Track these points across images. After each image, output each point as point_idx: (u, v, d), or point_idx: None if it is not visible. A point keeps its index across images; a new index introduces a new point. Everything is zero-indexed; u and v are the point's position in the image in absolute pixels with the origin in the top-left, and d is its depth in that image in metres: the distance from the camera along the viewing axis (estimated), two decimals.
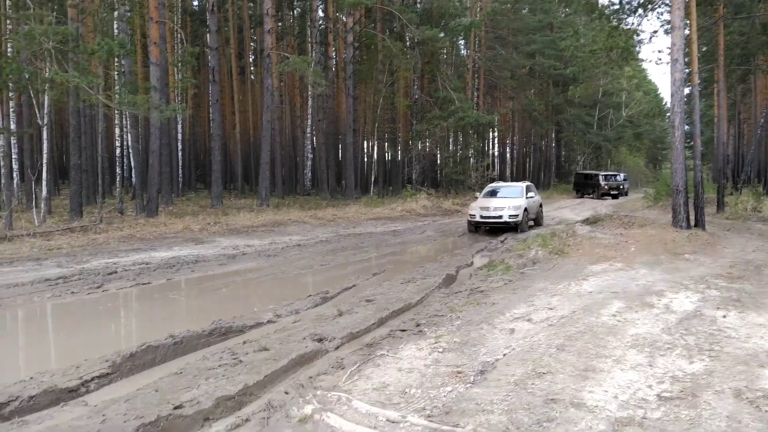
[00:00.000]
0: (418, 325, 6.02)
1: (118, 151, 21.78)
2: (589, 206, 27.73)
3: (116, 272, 10.17)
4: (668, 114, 66.23)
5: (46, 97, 13.78)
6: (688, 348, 4.63)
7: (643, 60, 66.18)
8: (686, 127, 18.24)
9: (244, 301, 8.70)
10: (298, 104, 36.59)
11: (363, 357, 5.05)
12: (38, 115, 13.99)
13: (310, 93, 30.41)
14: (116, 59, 14.86)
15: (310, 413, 3.77)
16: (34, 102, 13.88)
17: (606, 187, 34.71)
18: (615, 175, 37.07)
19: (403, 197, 26.29)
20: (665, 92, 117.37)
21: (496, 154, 48.06)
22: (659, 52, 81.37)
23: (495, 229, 16.43)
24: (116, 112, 19.74)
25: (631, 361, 4.30)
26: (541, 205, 19.15)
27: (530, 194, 17.78)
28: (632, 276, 7.80)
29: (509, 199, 16.76)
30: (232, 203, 23.85)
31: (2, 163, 13.79)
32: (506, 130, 45.91)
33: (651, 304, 6.11)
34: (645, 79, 68.99)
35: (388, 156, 36.27)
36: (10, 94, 14.77)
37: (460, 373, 4.43)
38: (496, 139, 47.72)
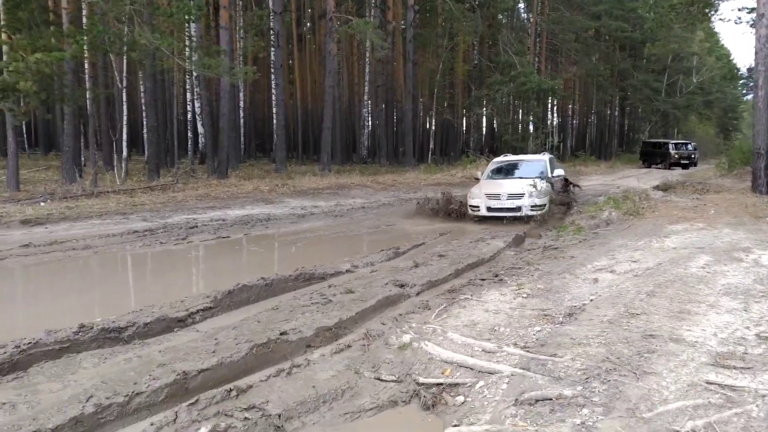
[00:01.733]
0: (496, 275, 6.12)
1: (189, 115, 22.52)
2: (657, 176, 26.69)
3: (197, 227, 10.72)
4: (741, 81, 62.33)
5: (124, 60, 14.41)
6: None
7: (721, 19, 62.12)
8: None
9: (319, 254, 9.01)
10: (355, 70, 36.58)
11: (447, 300, 5.20)
12: (117, 77, 14.69)
13: (368, 59, 30.32)
14: (187, 24, 15.28)
15: (408, 341, 3.97)
16: (114, 65, 14.57)
17: (676, 156, 33.14)
18: (685, 144, 35.30)
19: (463, 164, 26.09)
20: (739, 57, 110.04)
21: (556, 122, 46.76)
22: (739, 10, 76.09)
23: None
24: (187, 76, 20.37)
25: (726, 306, 4.27)
26: (569, 183, 14.62)
27: (557, 172, 12.39)
28: (715, 234, 7.58)
29: (528, 181, 11.37)
30: (294, 169, 24.34)
31: (89, 123, 14.57)
32: (568, 97, 44.39)
33: (739, 258, 5.96)
34: (717, 43, 64.82)
35: (445, 123, 35.93)
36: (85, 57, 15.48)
37: (547, 315, 4.51)
38: (556, 107, 46.34)
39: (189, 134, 20.98)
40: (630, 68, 44.01)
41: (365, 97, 32.14)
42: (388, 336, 4.12)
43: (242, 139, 31.50)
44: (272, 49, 23.37)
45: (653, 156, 35.23)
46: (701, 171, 29.86)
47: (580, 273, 5.72)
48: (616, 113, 52.26)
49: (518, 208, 10.79)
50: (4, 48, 12.62)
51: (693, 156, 34.16)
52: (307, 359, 3.86)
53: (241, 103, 31.19)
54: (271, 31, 23.50)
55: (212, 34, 28.41)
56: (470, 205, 11.35)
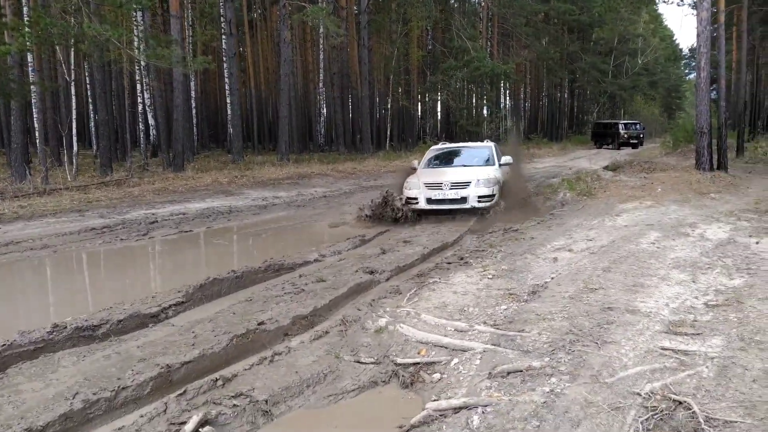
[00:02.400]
0: (461, 258, 6.35)
1: (140, 107, 21.91)
2: (606, 156, 27.69)
3: (157, 221, 10.56)
4: (684, 61, 64.69)
5: (71, 53, 13.92)
6: (727, 267, 4.92)
7: (665, 1, 64.31)
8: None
9: (284, 244, 9.05)
10: (310, 57, 36.24)
11: (417, 284, 5.39)
12: (64, 70, 14.16)
13: (321, 46, 30.11)
14: (135, 13, 14.82)
15: (384, 325, 4.14)
16: (61, 57, 14.03)
17: (625, 136, 34.36)
18: (634, 124, 36.59)
19: (420, 149, 26.38)
20: (682, 38, 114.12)
21: (509, 105, 47.64)
22: None
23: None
24: (136, 67, 19.80)
25: (676, 279, 4.61)
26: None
27: (504, 159, 10.74)
28: (663, 212, 8.05)
29: (473, 170, 10.00)
30: (251, 159, 24.08)
31: (37, 118, 14.04)
32: (520, 80, 45.26)
33: (686, 233, 6.38)
34: (661, 24, 67.22)
35: (402, 109, 36.11)
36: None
37: (512, 294, 4.76)
38: (508, 90, 47.18)
39: (140, 127, 20.44)
40: (578, 51, 45.18)
41: (320, 85, 31.94)
42: (364, 321, 4.27)
43: (195, 130, 30.89)
44: (223, 37, 22.93)
45: (604, 136, 36.46)
46: (647, 150, 31.13)
47: (541, 253, 6.01)
48: (566, 95, 53.64)
49: (463, 199, 9.34)
50: None
51: (641, 135, 35.52)
52: (288, 347, 3.98)
53: (193, 93, 30.50)
54: (222, 18, 23.05)
55: (159, 22, 27.61)
56: (407, 198, 9.68)
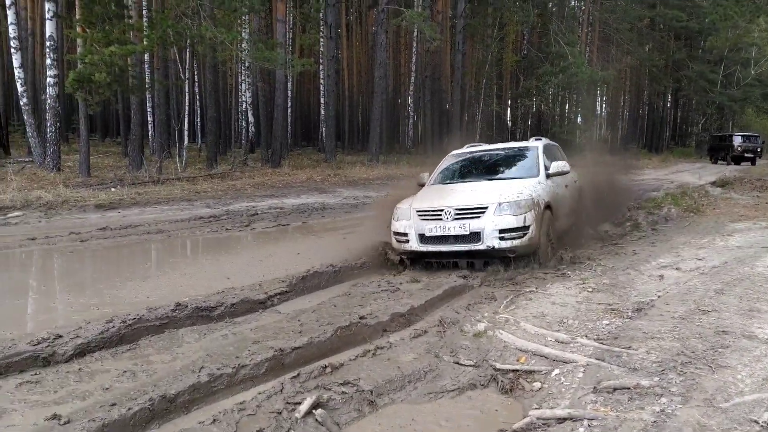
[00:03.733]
0: (558, 269, 6.25)
1: (243, 105, 23.16)
2: (713, 171, 25.95)
3: (257, 214, 11.18)
4: None
5: (186, 53, 15.02)
6: None
7: None
8: None
9: (375, 243, 9.31)
10: (402, 60, 36.70)
11: (512, 292, 5.38)
12: (180, 70, 15.35)
13: (414, 49, 30.38)
14: (245, 17, 15.78)
15: (482, 329, 4.19)
16: (177, 58, 15.24)
17: (740, 149, 31.38)
18: (754, 137, 33.07)
19: None
20: None
21: (605, 113, 45.75)
22: None
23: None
24: (242, 68, 20.98)
25: None
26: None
27: (556, 167, 7.22)
28: None
29: (500, 186, 6.73)
30: (341, 158, 24.76)
31: (153, 113, 15.23)
32: (619, 88, 43.34)
33: None
34: None
35: (492, 114, 35.69)
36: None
37: (614, 309, 4.64)
38: (605, 98, 45.31)
39: (242, 124, 21.63)
40: (685, 58, 42.61)
41: (411, 88, 32.27)
42: (463, 324, 4.34)
43: (289, 128, 32.19)
44: (321, 40, 23.77)
45: (719, 150, 33.58)
46: (759, 167, 28.77)
47: (645, 269, 5.79)
48: (669, 105, 50.70)
49: (475, 236, 6.01)
50: (79, 41, 13.34)
51: (759, 150, 32.51)
52: (388, 342, 4.13)
53: (289, 93, 31.84)
54: (321, 22, 23.87)
55: (262, 25, 29.03)
56: (394, 233, 6.60)
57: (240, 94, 24.13)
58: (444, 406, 3.39)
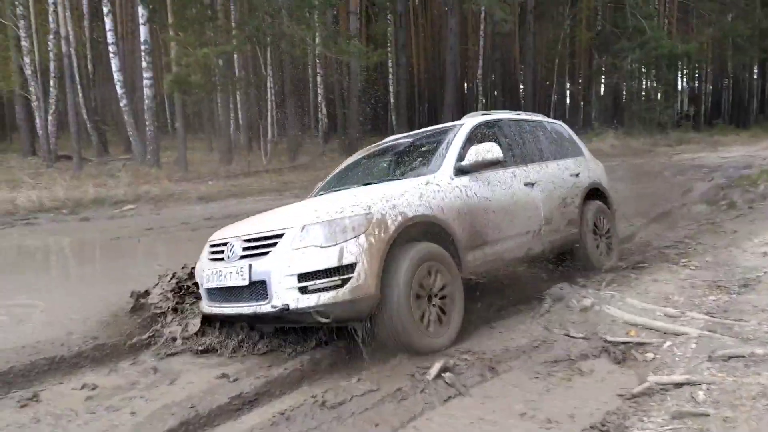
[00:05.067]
0: (657, 248, 6.30)
1: (319, 98, 23.92)
2: None
3: None
4: None
5: (268, 51, 15.78)
6: None
7: None
8: None
9: None
10: (469, 44, 36.41)
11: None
12: (262, 67, 16.19)
13: (482, 32, 30.06)
14: (323, 12, 16.37)
15: (589, 305, 4.39)
16: (260, 55, 16.07)
17: None
18: None
19: (588, 136, 25.34)
20: None
21: (686, 88, 43.42)
22: None
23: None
24: (318, 60, 21.67)
25: None
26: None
27: (475, 156, 4.26)
28: None
29: (368, 194, 3.84)
30: None
31: (242, 109, 16.10)
32: (702, 61, 40.99)
33: None
34: None
35: (566, 94, 34.86)
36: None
37: (720, 286, 4.71)
38: (687, 72, 42.97)
39: (318, 116, 22.37)
40: None
41: (479, 72, 32.03)
42: (569, 300, 4.56)
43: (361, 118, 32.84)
44: (389, 29, 24.08)
45: None
46: None
47: (747, 247, 5.76)
48: (756, 77, 47.35)
49: (260, 288, 3.52)
50: (172, 44, 14.33)
51: None
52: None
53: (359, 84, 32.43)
54: (388, 12, 24.17)
55: (329, 16, 29.68)
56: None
57: (316, 86, 24.94)
58: (558, 373, 3.65)
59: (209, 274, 3.84)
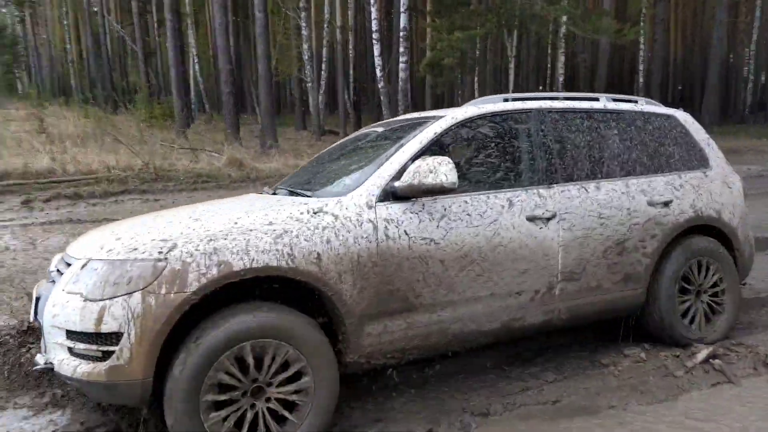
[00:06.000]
0: None
1: (561, 78, 23.41)
2: None
3: None
4: None
5: (515, 33, 16.01)
6: None
7: None
8: None
9: None
10: (740, 16, 31.65)
11: None
12: (509, 48, 16.49)
13: (758, 2, 25.78)
14: None
15: None
16: (506, 37, 16.39)
17: None
18: None
19: None
20: None
21: None
22: None
23: None
24: (561, 40, 21.17)
25: None
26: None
27: (415, 175, 2.78)
28: None
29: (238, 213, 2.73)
30: None
31: (485, 91, 16.63)
32: None
33: None
34: None
35: None
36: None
37: None
38: None
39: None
40: None
41: (752, 46, 27.73)
42: None
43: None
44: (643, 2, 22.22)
45: None
46: None
47: None
48: None
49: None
50: (428, 30, 15.47)
51: None
52: None
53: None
54: None
55: None
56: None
57: (555, 67, 24.38)
58: None
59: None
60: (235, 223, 2.58)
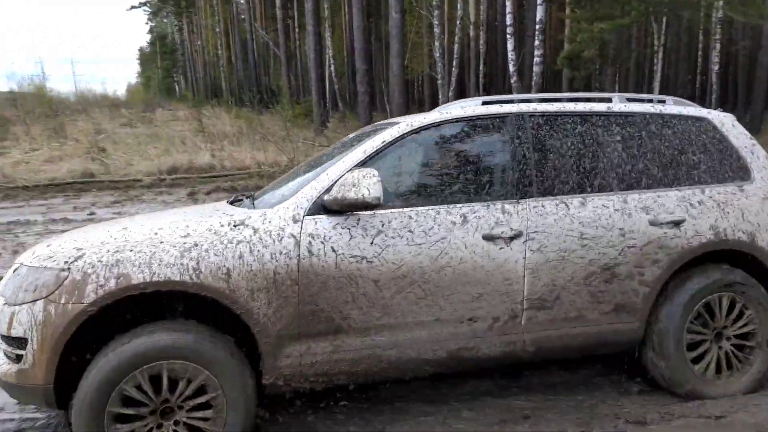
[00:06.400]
0: None
1: (715, 67, 21.38)
2: None
3: None
4: None
5: (664, 21, 14.84)
6: None
7: None
8: None
9: None
10: None
11: None
12: (656, 37, 15.32)
13: None
14: None
15: None
16: (654, 26, 15.24)
17: None
18: None
19: None
20: None
21: None
22: None
23: None
24: (718, 26, 19.27)
25: None
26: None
27: (344, 189, 2.64)
28: None
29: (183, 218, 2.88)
30: None
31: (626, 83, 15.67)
32: None
33: None
34: None
35: None
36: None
37: None
38: None
39: (708, 86, 19.97)
40: None
41: None
42: None
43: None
44: None
45: None
46: None
47: None
48: None
49: None
50: (567, 21, 14.89)
51: None
52: None
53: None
54: None
55: None
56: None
57: (707, 56, 22.18)
58: None
59: None
60: (155, 234, 2.54)
